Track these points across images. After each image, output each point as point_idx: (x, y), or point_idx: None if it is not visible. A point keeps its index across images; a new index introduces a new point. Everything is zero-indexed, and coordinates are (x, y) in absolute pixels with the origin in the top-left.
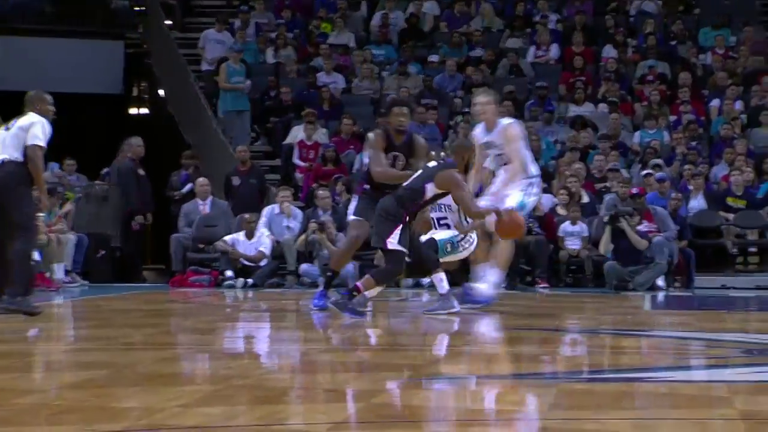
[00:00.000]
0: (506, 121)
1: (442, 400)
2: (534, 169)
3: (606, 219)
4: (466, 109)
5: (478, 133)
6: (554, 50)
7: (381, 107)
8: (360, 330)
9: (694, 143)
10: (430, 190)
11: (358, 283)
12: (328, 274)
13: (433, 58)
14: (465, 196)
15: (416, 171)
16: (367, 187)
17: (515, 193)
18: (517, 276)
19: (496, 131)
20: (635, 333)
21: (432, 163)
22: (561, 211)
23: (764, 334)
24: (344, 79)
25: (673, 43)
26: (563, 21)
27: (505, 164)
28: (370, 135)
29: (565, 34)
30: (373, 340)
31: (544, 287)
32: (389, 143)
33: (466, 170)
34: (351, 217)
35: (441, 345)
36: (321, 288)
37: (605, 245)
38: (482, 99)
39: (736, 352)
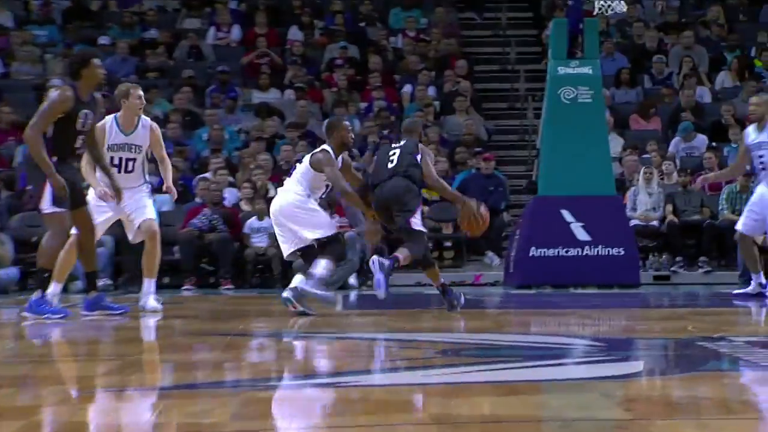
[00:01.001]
0: None
1: (108, 415)
2: None
3: None
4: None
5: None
6: (236, 32)
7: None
8: (32, 340)
9: (386, 131)
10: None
11: (398, 255)
12: (45, 275)
13: (104, 40)
14: (332, 172)
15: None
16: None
17: None
18: (194, 276)
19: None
20: (325, 335)
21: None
22: (246, 206)
23: (458, 333)
24: (2, 63)
25: (363, 24)
26: (245, 1)
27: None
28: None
29: (248, 14)
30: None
31: (228, 288)
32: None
33: (342, 148)
34: (48, 210)
35: (111, 353)
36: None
37: None
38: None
39: (430, 353)
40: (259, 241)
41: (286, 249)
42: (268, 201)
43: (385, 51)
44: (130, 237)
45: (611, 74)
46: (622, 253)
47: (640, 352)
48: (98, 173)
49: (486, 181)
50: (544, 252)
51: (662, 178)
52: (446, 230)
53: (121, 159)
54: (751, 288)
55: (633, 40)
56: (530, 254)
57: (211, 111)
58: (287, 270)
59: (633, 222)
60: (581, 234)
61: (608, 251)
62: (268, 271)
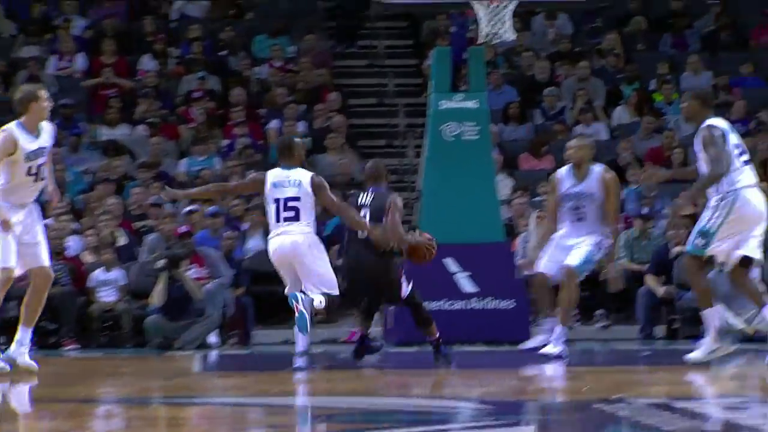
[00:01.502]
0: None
1: None
2: None
3: (161, 264)
4: None
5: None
6: (80, 61)
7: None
8: None
9: (250, 172)
10: None
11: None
12: None
13: None
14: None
15: None
16: None
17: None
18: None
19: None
20: (182, 400)
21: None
22: (90, 256)
23: (331, 397)
24: None
25: (224, 52)
26: (91, 26)
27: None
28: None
29: (94, 40)
30: None
31: (72, 348)
32: None
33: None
34: None
35: None
36: None
37: (160, 296)
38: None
39: (299, 419)
40: (107, 296)
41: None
42: (117, 250)
43: (249, 82)
44: (11, 263)
45: (499, 108)
46: (512, 306)
47: (531, 416)
48: None
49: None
50: (426, 305)
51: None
52: None
53: (38, 167)
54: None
55: (522, 71)
56: None
57: (52, 149)
58: (138, 326)
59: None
60: (467, 285)
61: (497, 304)
62: (117, 329)
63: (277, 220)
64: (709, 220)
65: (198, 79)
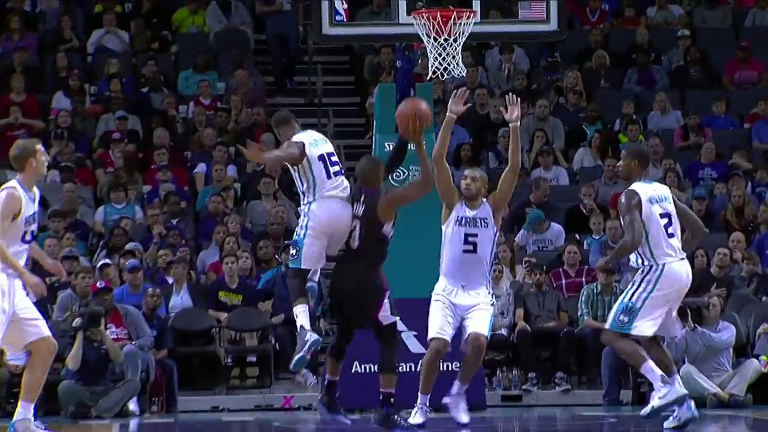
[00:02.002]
0: None
1: None
2: None
3: (76, 324)
4: None
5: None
6: None
7: None
8: None
9: (175, 221)
10: None
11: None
12: None
13: None
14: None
15: None
16: None
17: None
18: None
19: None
20: None
21: None
22: None
23: None
24: None
25: (146, 90)
26: None
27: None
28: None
29: (1, 77)
30: None
31: None
32: None
33: None
34: None
35: None
36: None
37: (75, 358)
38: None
39: None
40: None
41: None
42: None
43: (173, 122)
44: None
45: (449, 150)
46: None
47: None
48: None
49: None
50: (370, 368)
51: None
52: (250, 341)
53: (32, 234)
54: None
55: (475, 110)
56: (353, 371)
57: None
58: (51, 391)
59: None
60: (414, 345)
61: (447, 366)
62: None
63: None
64: (633, 295)
65: (117, 119)
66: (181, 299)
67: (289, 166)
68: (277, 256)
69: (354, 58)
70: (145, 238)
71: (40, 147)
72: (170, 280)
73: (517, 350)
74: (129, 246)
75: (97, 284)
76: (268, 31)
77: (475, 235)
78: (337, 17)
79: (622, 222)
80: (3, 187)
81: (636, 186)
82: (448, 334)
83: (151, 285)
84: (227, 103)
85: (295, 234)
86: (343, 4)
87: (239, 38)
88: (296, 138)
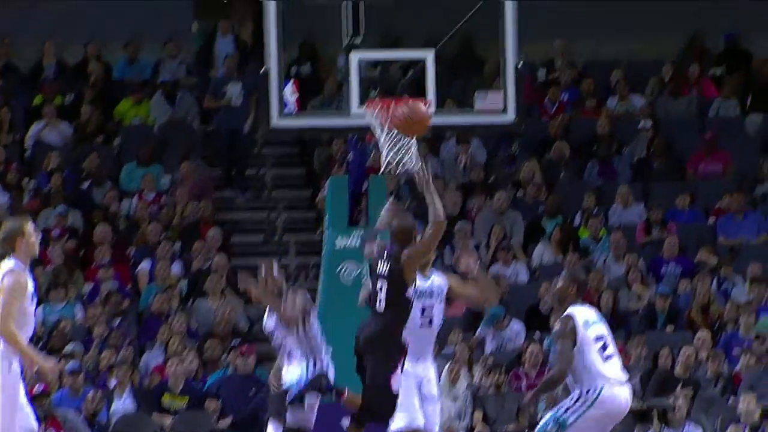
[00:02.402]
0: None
1: None
2: None
3: None
4: None
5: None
6: None
7: None
8: None
9: (117, 321)
10: None
11: None
12: None
13: None
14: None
15: None
16: None
17: None
18: None
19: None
20: None
21: None
22: None
23: None
24: None
25: (87, 184)
26: None
27: None
28: None
29: None
30: None
31: None
32: None
33: None
34: None
35: None
36: None
37: None
38: None
39: None
40: None
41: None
42: None
43: (116, 218)
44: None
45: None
46: None
47: None
48: None
49: (244, 382)
50: None
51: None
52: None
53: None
54: None
55: None
56: None
57: None
58: None
59: None
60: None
61: None
62: None
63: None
64: (567, 410)
65: (57, 214)
66: (123, 403)
67: None
68: (223, 357)
69: (305, 150)
70: (85, 340)
71: (28, 225)
72: (112, 384)
73: None
74: (69, 348)
75: (35, 388)
76: (217, 125)
77: (432, 308)
78: (287, 108)
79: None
80: (3, 271)
81: (572, 310)
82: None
83: (92, 388)
84: (172, 197)
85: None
86: (293, 94)
87: (185, 129)
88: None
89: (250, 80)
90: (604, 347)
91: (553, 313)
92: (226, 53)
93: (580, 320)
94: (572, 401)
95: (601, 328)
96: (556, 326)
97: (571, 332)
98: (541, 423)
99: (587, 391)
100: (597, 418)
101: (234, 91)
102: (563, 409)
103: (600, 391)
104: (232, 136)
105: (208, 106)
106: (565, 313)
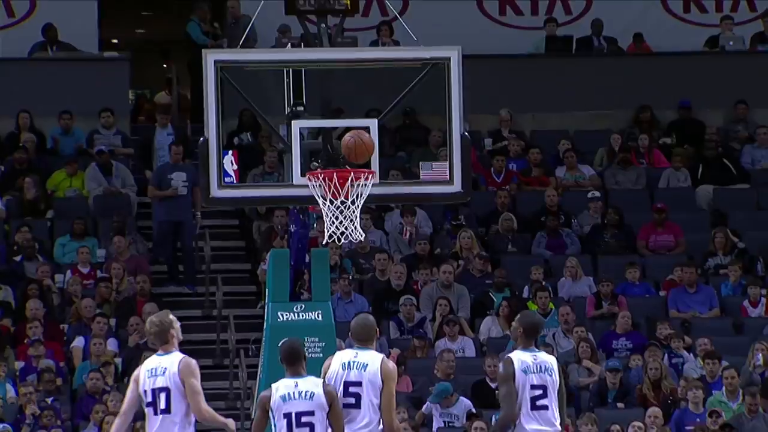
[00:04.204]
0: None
1: None
2: None
3: None
4: None
5: None
6: None
7: None
8: None
9: (50, 400)
10: None
11: None
12: None
13: None
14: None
15: None
16: None
17: None
18: None
19: None
20: None
21: None
22: None
23: None
24: None
25: (19, 258)
26: None
27: None
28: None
29: None
30: None
31: None
32: None
33: None
34: None
35: None
36: None
37: None
38: None
39: None
40: None
41: None
42: None
43: (49, 293)
44: None
45: (348, 321)
46: None
47: None
48: None
49: None
50: None
51: None
52: None
53: None
54: None
55: (375, 277)
56: None
57: None
58: None
59: None
60: None
61: None
62: None
63: None
64: None
65: None
66: None
67: None
68: None
69: (244, 222)
70: (17, 419)
71: (172, 316)
72: None
73: None
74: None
75: None
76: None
77: (359, 384)
78: (227, 179)
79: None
80: (178, 360)
81: (513, 354)
82: None
83: None
84: (107, 272)
85: None
86: (233, 164)
87: (120, 202)
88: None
89: (193, 170)
90: (540, 396)
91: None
92: (168, 143)
93: (518, 364)
94: None
95: (545, 377)
96: (499, 369)
97: (510, 376)
98: None
99: None
100: None
101: (178, 180)
102: None
103: None
104: (175, 227)
105: (152, 196)
106: (507, 356)
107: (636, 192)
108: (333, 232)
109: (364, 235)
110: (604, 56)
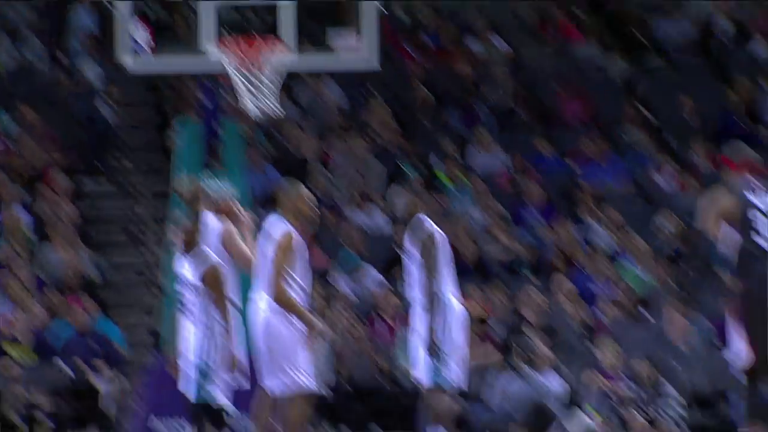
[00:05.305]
0: None
1: None
2: None
3: None
4: None
5: None
6: None
7: None
8: None
9: None
10: None
11: None
12: None
13: None
14: None
15: None
16: None
17: None
18: None
19: None
20: None
21: None
22: None
23: None
24: None
25: None
26: None
27: None
28: None
29: None
30: None
31: None
32: None
33: None
34: None
35: None
36: None
37: None
38: None
39: None
40: None
41: None
42: None
43: None
44: None
45: (260, 194)
46: None
47: None
48: None
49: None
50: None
51: None
52: None
53: None
54: None
55: (287, 149)
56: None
57: None
58: None
59: None
60: None
61: None
62: None
63: None
64: None
65: None
66: None
67: None
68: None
69: (154, 91)
70: None
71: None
72: None
73: None
74: None
75: None
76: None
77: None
78: (139, 49)
79: None
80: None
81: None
82: None
83: None
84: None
85: None
86: (144, 35)
87: (34, 77)
88: None
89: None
90: None
91: None
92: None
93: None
94: None
95: None
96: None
97: None
98: None
99: None
100: None
101: (94, 74)
102: None
103: None
104: (90, 122)
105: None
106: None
107: (549, 66)
108: (247, 103)
109: (278, 107)
110: None
